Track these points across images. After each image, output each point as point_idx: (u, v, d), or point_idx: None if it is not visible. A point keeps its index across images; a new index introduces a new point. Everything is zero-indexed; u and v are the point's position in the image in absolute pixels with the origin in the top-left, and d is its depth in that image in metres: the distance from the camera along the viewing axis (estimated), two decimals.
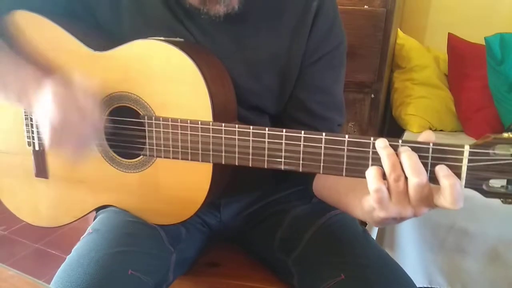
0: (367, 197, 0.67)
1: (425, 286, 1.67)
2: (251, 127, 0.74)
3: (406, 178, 0.62)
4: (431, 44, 2.11)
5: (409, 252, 1.65)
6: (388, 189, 0.63)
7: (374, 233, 1.65)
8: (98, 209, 0.96)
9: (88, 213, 0.96)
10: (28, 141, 0.96)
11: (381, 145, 0.64)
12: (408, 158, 0.62)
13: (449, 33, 1.95)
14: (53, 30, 0.88)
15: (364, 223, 1.69)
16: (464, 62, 1.91)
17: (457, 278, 1.63)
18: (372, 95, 1.72)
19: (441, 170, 0.62)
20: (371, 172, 0.63)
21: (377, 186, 0.63)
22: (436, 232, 1.61)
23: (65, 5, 0.91)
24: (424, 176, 0.61)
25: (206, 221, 1.04)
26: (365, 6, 1.61)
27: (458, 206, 0.60)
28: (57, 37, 0.88)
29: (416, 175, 0.61)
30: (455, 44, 1.94)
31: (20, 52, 0.88)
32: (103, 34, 0.90)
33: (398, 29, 2.03)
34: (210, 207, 1.03)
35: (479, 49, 1.83)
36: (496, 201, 1.61)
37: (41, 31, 0.89)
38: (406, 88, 1.98)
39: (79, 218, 0.97)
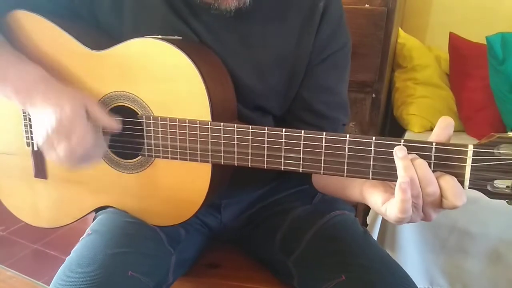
0: (375, 194, 0.68)
1: (426, 287, 1.67)
2: (250, 126, 0.73)
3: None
4: (432, 44, 2.11)
5: (410, 253, 1.65)
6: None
7: (375, 233, 1.65)
8: (97, 210, 0.96)
9: (87, 214, 0.96)
10: (27, 142, 0.96)
11: (400, 155, 0.63)
12: (419, 168, 0.62)
13: (450, 33, 1.94)
14: (52, 30, 0.88)
15: (365, 224, 1.70)
16: (466, 62, 1.90)
17: (458, 279, 1.63)
18: (373, 95, 1.71)
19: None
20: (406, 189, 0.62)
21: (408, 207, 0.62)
22: (437, 232, 1.61)
23: (67, 5, 0.90)
24: (435, 185, 0.61)
25: (206, 222, 1.04)
26: (366, 5, 1.60)
27: (462, 201, 0.61)
28: (56, 37, 0.88)
29: (428, 184, 0.61)
30: (456, 44, 1.93)
31: (20, 50, 0.88)
32: (103, 34, 0.90)
33: (399, 28, 2.02)
34: (210, 209, 1.03)
35: (481, 48, 1.83)
36: (498, 202, 1.61)
37: (40, 31, 0.89)
38: (407, 87, 1.98)
39: (78, 219, 0.97)
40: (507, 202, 0.63)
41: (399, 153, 0.63)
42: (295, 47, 0.91)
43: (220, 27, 0.88)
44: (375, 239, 1.63)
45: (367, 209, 1.73)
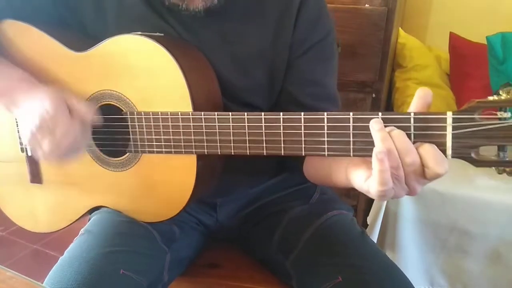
0: (358, 172, 0.66)
1: (427, 287, 1.67)
2: (230, 113, 0.73)
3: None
4: (432, 43, 2.10)
5: (411, 253, 1.65)
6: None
7: (375, 233, 1.65)
8: (92, 211, 0.96)
9: (82, 215, 0.96)
10: (21, 147, 0.97)
11: (376, 127, 0.62)
12: (396, 138, 0.61)
13: (450, 32, 1.94)
14: (37, 35, 0.89)
15: (365, 224, 1.70)
16: (466, 62, 1.90)
17: (458, 279, 1.63)
18: (373, 95, 1.70)
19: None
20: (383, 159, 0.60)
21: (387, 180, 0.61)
22: (437, 233, 1.61)
23: (53, 12, 0.91)
24: (415, 154, 0.60)
25: (202, 220, 1.04)
26: (366, 5, 1.60)
27: (443, 168, 0.59)
28: (41, 42, 0.89)
29: (407, 154, 0.60)
30: (456, 43, 1.93)
31: (6, 57, 0.89)
32: (89, 37, 0.90)
33: (400, 28, 2.02)
34: (206, 207, 1.03)
35: (481, 48, 1.83)
36: (498, 201, 1.61)
37: (25, 37, 0.90)
38: (408, 87, 1.97)
39: (75, 221, 0.98)
40: (495, 170, 0.61)
41: (375, 125, 0.62)
42: (273, 41, 0.90)
43: (198, 25, 0.88)
44: (376, 239, 1.63)
45: (367, 209, 1.73)
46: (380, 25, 1.60)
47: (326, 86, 0.95)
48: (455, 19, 2.04)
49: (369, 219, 1.69)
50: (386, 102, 2.03)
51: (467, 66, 1.90)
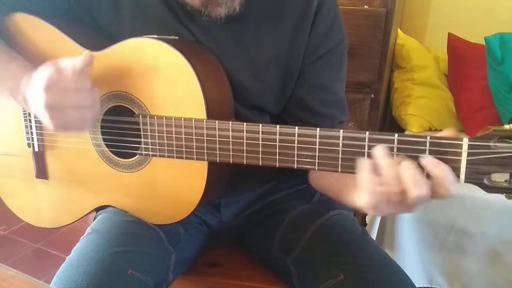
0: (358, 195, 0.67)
1: (425, 286, 1.67)
2: (245, 124, 0.74)
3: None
4: (431, 44, 2.11)
5: (409, 252, 1.65)
6: (386, 193, 0.62)
7: (374, 232, 1.65)
8: (97, 210, 0.97)
9: (87, 214, 0.96)
10: (28, 143, 0.97)
11: (380, 153, 0.63)
12: (407, 170, 0.61)
13: (449, 33, 1.95)
14: (50, 31, 0.88)
15: (364, 223, 1.71)
16: (464, 62, 1.91)
17: (457, 278, 1.63)
18: (372, 95, 1.71)
19: (430, 162, 0.61)
20: (369, 187, 0.62)
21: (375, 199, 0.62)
22: (436, 232, 1.61)
23: (66, 8, 0.91)
24: (424, 188, 0.60)
25: (206, 221, 1.04)
26: (365, 6, 1.61)
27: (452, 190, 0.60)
28: (54, 39, 0.88)
29: (417, 188, 0.60)
30: (455, 44, 1.94)
31: (18, 52, 0.89)
32: (103, 36, 0.90)
33: (398, 29, 2.03)
34: (210, 208, 1.03)
35: (479, 49, 1.83)
36: (496, 201, 1.62)
37: (38, 33, 0.90)
38: (406, 88, 1.98)
39: (79, 219, 0.98)
40: (506, 196, 0.62)
41: (380, 153, 0.63)
42: (289, 46, 0.91)
43: (215, 28, 0.88)
44: (374, 238, 1.64)
45: None
46: (379, 26, 1.61)
47: (335, 92, 0.96)
48: (454, 20, 2.05)
49: (367, 218, 1.70)
50: (385, 103, 2.04)
51: (466, 66, 1.90)
